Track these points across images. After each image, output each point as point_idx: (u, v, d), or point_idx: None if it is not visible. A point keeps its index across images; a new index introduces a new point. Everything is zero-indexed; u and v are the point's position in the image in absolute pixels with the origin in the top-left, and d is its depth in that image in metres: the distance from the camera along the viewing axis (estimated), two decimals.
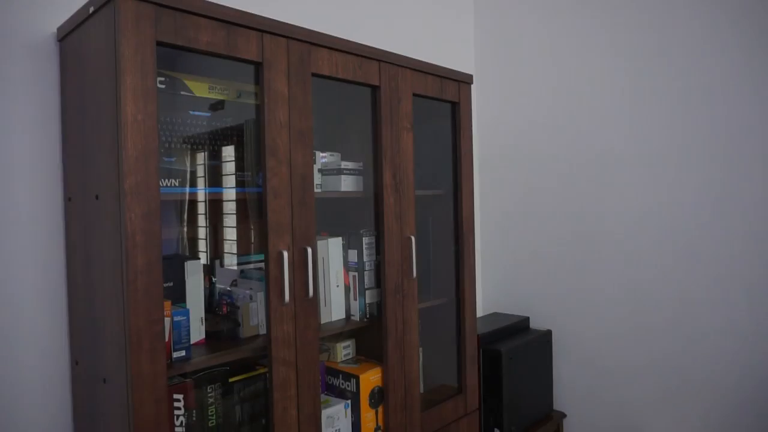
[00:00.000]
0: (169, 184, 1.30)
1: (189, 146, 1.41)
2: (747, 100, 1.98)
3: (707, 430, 2.10)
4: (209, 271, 1.51)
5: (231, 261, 1.56)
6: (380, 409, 1.63)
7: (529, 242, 2.61)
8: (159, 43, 1.12)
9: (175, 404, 1.21)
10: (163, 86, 1.28)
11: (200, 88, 1.37)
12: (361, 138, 1.75)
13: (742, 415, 2.02)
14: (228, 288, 1.49)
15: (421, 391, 1.93)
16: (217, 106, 1.48)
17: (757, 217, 1.97)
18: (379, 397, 1.62)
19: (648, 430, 2.26)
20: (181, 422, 1.21)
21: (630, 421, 2.30)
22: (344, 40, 1.48)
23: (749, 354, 2.00)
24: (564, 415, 2.46)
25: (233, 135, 1.49)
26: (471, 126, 1.94)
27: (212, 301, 1.49)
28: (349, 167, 1.67)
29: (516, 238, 2.65)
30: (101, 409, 1.20)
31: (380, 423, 1.62)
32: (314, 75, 1.43)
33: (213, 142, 1.46)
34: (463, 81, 1.91)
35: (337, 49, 1.47)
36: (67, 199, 1.34)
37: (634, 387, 2.28)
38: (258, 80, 1.33)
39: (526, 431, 2.27)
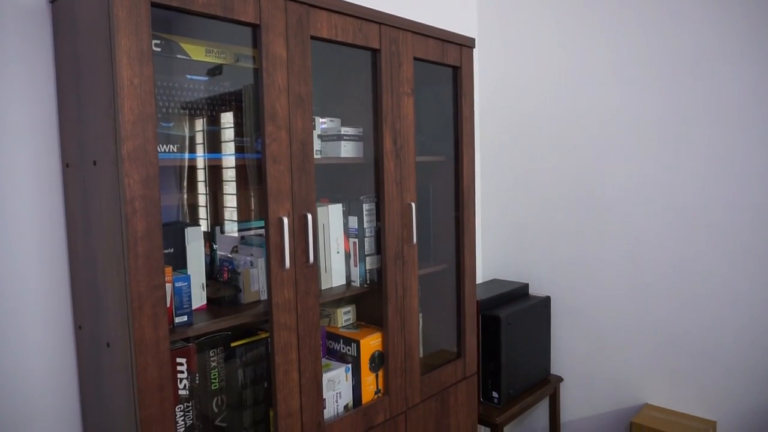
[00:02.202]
0: (167, 150, 1.29)
1: (187, 111, 1.39)
2: (746, 65, 1.94)
3: (703, 396, 2.14)
4: (210, 237, 1.51)
5: (231, 228, 1.56)
6: (380, 373, 1.65)
7: (529, 209, 2.61)
8: (154, 5, 1.09)
9: (179, 368, 1.22)
10: (158, 49, 1.26)
11: (197, 52, 1.34)
12: (362, 103, 1.73)
13: (738, 380, 2.06)
14: (229, 254, 1.49)
15: (421, 355, 1.96)
16: (215, 71, 1.46)
17: (757, 184, 1.96)
18: (379, 361, 1.65)
19: (644, 395, 2.30)
20: (185, 385, 1.23)
21: (626, 386, 2.35)
22: (344, 1, 1.44)
23: (747, 321, 2.02)
24: (561, 379, 2.50)
25: (232, 100, 1.47)
26: (473, 91, 1.91)
27: (213, 268, 1.49)
28: (349, 133, 1.65)
29: (516, 204, 2.65)
30: (106, 372, 1.22)
31: (380, 386, 1.65)
32: (313, 38, 1.40)
33: (212, 108, 1.44)
34: (465, 45, 1.88)
35: (336, 11, 1.44)
36: (65, 165, 1.33)
37: (631, 352, 2.32)
38: (256, 43, 1.30)
39: (524, 395, 2.31)
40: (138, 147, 1.06)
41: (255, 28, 1.29)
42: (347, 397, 1.58)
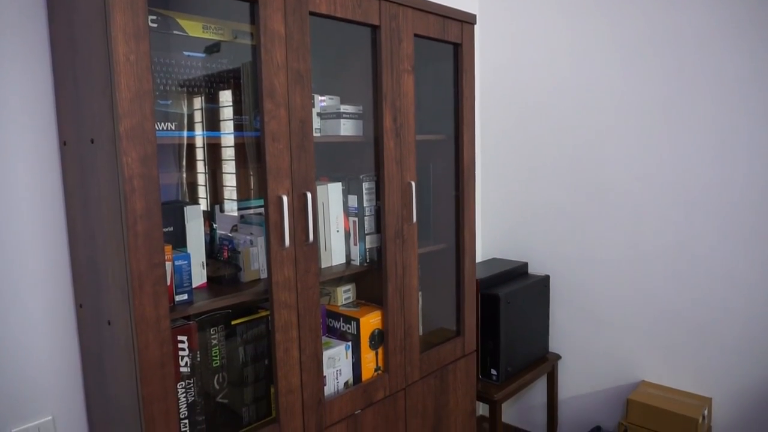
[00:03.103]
0: (165, 128, 1.28)
1: (185, 89, 1.38)
2: (750, 46, 1.91)
3: (699, 373, 2.16)
4: (209, 217, 1.51)
5: (231, 207, 1.55)
6: (380, 351, 1.67)
7: (529, 188, 2.60)
8: None
9: (180, 345, 1.23)
10: (155, 25, 1.24)
11: (194, 28, 1.32)
12: (361, 81, 1.71)
13: (734, 358, 2.08)
14: (228, 233, 1.49)
15: (420, 333, 1.97)
16: (212, 48, 1.44)
17: (759, 165, 1.95)
18: (379, 339, 1.66)
19: (641, 372, 2.32)
20: (186, 362, 1.24)
21: (623, 364, 2.37)
22: None
23: (744, 300, 2.03)
24: (559, 357, 2.53)
25: (230, 78, 1.45)
26: (474, 69, 1.89)
27: (213, 247, 1.50)
28: (349, 111, 1.63)
29: (517, 184, 2.64)
30: (108, 350, 1.23)
31: (380, 364, 1.67)
32: (312, 14, 1.38)
33: (210, 86, 1.42)
34: (466, 21, 1.85)
35: None
36: (62, 144, 1.32)
37: (629, 331, 2.34)
38: (254, 19, 1.28)
39: (522, 372, 2.34)
40: (135, 125, 1.05)
41: (253, 3, 1.27)
42: (347, 375, 1.59)
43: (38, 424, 1.36)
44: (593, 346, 2.46)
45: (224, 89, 1.46)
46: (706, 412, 2.04)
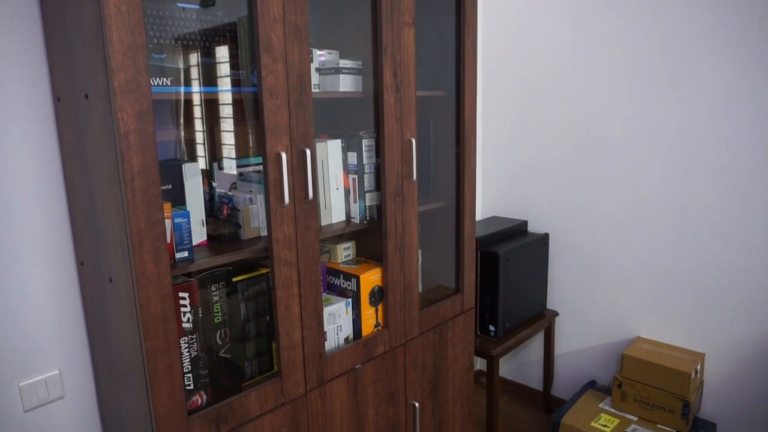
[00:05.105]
0: (161, 83, 1.25)
1: (180, 43, 1.34)
2: (757, 0, 1.86)
3: (693, 329, 2.20)
4: (208, 175, 1.50)
5: (230, 165, 1.54)
6: (380, 307, 1.69)
7: (530, 146, 2.58)
8: None
9: (181, 302, 1.24)
10: None
11: None
12: (361, 35, 1.66)
13: (728, 315, 2.10)
14: (227, 191, 1.48)
15: (420, 290, 2.00)
16: (207, 1, 1.39)
17: (760, 123, 1.92)
18: (378, 296, 1.68)
19: (636, 328, 2.36)
20: (188, 318, 1.26)
21: (620, 320, 2.41)
22: None
23: (740, 258, 2.04)
24: (556, 314, 2.56)
25: (227, 32, 1.42)
26: (476, 23, 1.84)
27: (212, 205, 1.49)
28: (348, 66, 1.60)
29: (517, 141, 2.62)
30: (110, 307, 1.24)
31: (380, 320, 1.69)
32: None
33: (206, 40, 1.39)
34: None
35: None
36: (56, 99, 1.30)
37: (626, 288, 2.36)
38: None
39: (520, 328, 2.37)
40: (130, 79, 1.03)
41: None
42: (347, 330, 1.62)
43: (45, 378, 1.39)
44: (590, 303, 2.49)
45: (221, 44, 1.42)
46: (699, 367, 2.09)
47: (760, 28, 1.89)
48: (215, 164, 1.51)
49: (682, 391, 2.02)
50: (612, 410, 2.21)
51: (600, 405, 2.25)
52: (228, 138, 1.55)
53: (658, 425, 2.09)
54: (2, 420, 1.34)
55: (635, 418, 2.14)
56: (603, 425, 2.10)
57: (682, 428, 2.04)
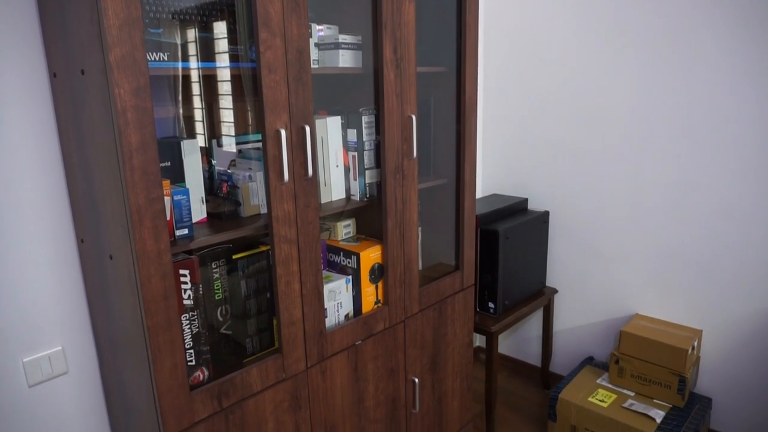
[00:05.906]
0: (158, 59, 1.24)
1: (177, 17, 1.32)
2: None
3: (690, 306, 2.21)
4: (207, 152, 1.49)
5: (229, 142, 1.53)
6: (380, 285, 1.69)
7: (530, 123, 2.56)
8: None
9: (182, 279, 1.25)
10: None
11: None
12: (360, 9, 1.64)
13: (725, 292, 2.11)
14: (227, 169, 1.48)
15: (420, 268, 2.00)
16: None
17: (762, 101, 1.91)
18: (378, 273, 1.68)
19: (635, 305, 2.38)
20: (189, 295, 1.26)
21: (618, 297, 2.42)
22: None
23: (739, 236, 2.04)
24: (556, 291, 2.58)
25: (224, 6, 1.39)
26: None
27: (212, 183, 1.49)
28: (348, 41, 1.58)
29: (518, 118, 2.60)
30: (111, 284, 1.25)
31: (380, 297, 1.70)
32: None
33: (203, 14, 1.37)
34: None
35: None
36: (52, 75, 1.28)
37: (625, 265, 2.37)
38: None
39: (519, 305, 2.39)
40: (126, 54, 1.01)
41: None
42: (348, 307, 1.63)
43: (48, 354, 1.40)
44: (590, 280, 2.50)
45: (218, 18, 1.40)
46: (695, 343, 2.11)
47: (764, 4, 1.86)
48: (214, 141, 1.50)
49: (679, 366, 2.04)
50: (609, 386, 2.23)
51: (597, 381, 2.28)
52: (227, 115, 1.54)
53: (655, 400, 2.12)
54: (8, 394, 1.35)
55: (632, 394, 2.17)
56: (600, 400, 2.13)
57: (678, 403, 2.07)
